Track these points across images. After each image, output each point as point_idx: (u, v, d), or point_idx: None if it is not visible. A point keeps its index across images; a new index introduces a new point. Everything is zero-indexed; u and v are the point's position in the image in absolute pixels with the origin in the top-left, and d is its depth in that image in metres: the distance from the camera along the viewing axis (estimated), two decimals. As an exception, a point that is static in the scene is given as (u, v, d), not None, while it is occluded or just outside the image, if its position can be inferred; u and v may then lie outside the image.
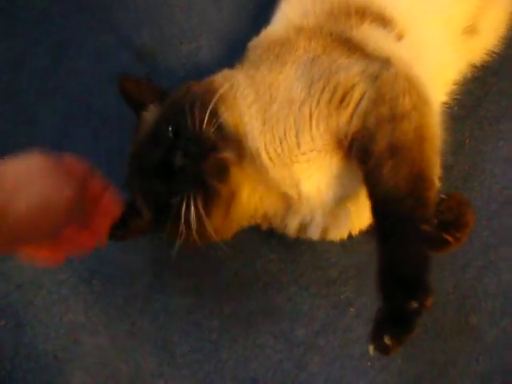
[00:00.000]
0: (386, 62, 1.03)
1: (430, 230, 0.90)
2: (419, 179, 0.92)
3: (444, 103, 1.17)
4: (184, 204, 0.97)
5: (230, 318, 1.21)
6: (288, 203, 1.06)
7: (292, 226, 1.09)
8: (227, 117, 1.01)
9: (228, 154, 0.99)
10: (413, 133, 0.95)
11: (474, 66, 1.23)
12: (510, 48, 1.24)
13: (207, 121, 0.98)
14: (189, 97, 1.04)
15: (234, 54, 1.25)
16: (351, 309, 1.19)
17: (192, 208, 0.97)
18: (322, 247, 1.19)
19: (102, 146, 1.35)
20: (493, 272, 1.18)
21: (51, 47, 1.45)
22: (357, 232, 1.12)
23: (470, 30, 1.18)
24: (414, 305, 0.85)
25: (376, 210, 0.92)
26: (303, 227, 1.09)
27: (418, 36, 1.11)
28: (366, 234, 1.14)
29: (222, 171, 0.99)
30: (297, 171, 1.02)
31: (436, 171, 0.95)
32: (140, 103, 1.13)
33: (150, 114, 1.09)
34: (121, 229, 1.05)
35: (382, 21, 1.11)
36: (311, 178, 1.03)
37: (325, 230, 1.09)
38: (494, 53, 1.23)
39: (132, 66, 1.42)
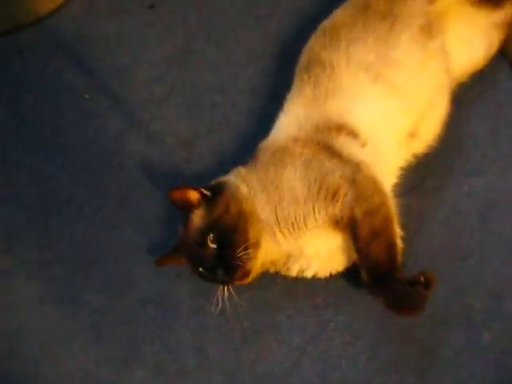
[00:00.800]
0: (356, 167, 1.53)
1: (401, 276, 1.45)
2: (392, 247, 1.49)
3: (394, 184, 1.66)
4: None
5: (247, 332, 1.70)
6: (289, 257, 1.59)
7: (293, 271, 1.61)
8: (252, 232, 1.52)
9: (250, 266, 1.52)
10: (383, 220, 1.50)
11: (418, 156, 1.71)
12: (444, 139, 1.73)
13: (239, 245, 1.50)
14: (227, 219, 1.52)
15: (246, 146, 1.75)
16: (331, 324, 1.66)
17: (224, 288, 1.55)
18: (312, 283, 1.65)
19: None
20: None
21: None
22: (335, 272, 1.62)
23: (413, 135, 1.66)
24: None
25: (369, 272, 1.47)
26: (301, 271, 1.61)
27: (376, 142, 1.60)
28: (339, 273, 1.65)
29: (246, 275, 1.54)
30: (303, 242, 1.54)
31: (396, 240, 1.51)
32: (189, 205, 1.57)
33: (197, 216, 1.55)
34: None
35: (352, 133, 1.58)
36: (313, 245, 1.54)
37: (316, 273, 1.61)
38: (432, 145, 1.72)
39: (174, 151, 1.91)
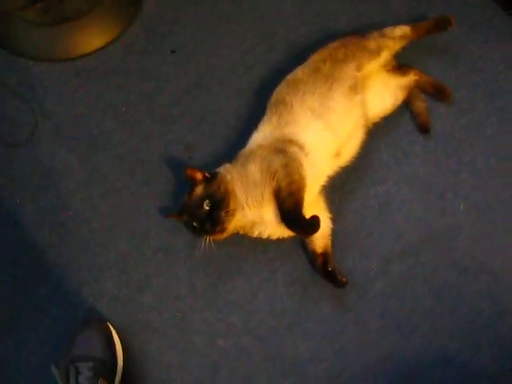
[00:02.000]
0: (292, 159, 1.96)
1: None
2: (299, 203, 1.94)
3: (323, 185, 2.11)
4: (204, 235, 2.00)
5: (222, 273, 2.17)
6: (254, 224, 2.04)
7: (254, 233, 2.05)
8: (232, 203, 1.98)
9: (227, 225, 1.99)
10: (298, 188, 1.94)
11: (342, 168, 2.15)
12: (360, 158, 2.18)
13: (223, 210, 1.97)
14: (218, 193, 1.98)
15: (233, 151, 2.13)
16: (278, 271, 2.10)
17: (206, 237, 1.98)
18: (268, 242, 2.10)
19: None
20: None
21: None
22: (281, 236, 2.07)
23: (338, 154, 2.10)
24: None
25: (284, 216, 1.93)
26: (259, 233, 2.05)
27: (314, 156, 2.03)
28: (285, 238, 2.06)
29: (223, 230, 2.00)
30: (262, 210, 1.99)
31: (303, 201, 1.94)
32: (194, 181, 2.02)
33: (199, 189, 2.01)
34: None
35: (300, 146, 2.01)
36: (267, 213, 1.99)
37: (269, 235, 2.07)
38: (350, 161, 2.17)
39: (182, 153, 2.32)
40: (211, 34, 2.53)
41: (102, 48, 2.49)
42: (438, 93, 2.34)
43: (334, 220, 2.13)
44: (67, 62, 2.47)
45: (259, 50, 2.50)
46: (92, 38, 2.51)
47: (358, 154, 2.18)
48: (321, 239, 2.09)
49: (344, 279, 2.03)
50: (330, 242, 2.10)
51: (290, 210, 1.93)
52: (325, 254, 2.07)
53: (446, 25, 2.31)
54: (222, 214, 1.96)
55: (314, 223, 1.91)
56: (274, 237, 2.09)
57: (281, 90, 2.15)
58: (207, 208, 1.98)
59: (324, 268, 2.05)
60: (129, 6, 2.59)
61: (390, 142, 2.30)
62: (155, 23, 2.55)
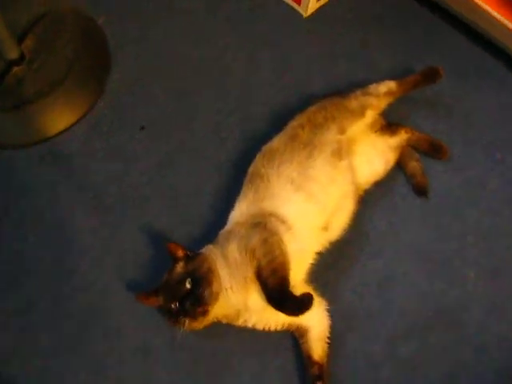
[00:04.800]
0: (272, 233, 1.86)
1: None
2: (283, 280, 1.83)
3: (311, 264, 1.98)
4: (181, 321, 1.85)
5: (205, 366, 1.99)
6: (237, 313, 1.89)
7: (239, 321, 1.90)
8: (215, 284, 1.85)
9: (210, 307, 1.84)
10: (280, 264, 1.83)
11: (331, 243, 2.02)
12: (351, 231, 2.06)
13: (206, 290, 1.84)
14: (201, 271, 1.85)
15: (212, 231, 2.03)
16: (270, 364, 1.96)
17: (183, 323, 1.84)
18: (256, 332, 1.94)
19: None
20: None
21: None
22: (268, 328, 1.94)
23: (325, 228, 1.97)
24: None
25: (268, 296, 1.82)
26: (244, 322, 1.91)
27: (298, 231, 1.91)
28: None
29: (205, 313, 1.85)
30: (245, 295, 1.85)
31: (289, 277, 1.84)
32: (175, 256, 1.91)
33: (180, 266, 1.89)
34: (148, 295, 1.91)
35: (281, 220, 1.90)
36: (252, 298, 1.85)
37: (254, 325, 1.92)
38: (340, 235, 2.04)
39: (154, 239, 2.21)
40: (183, 107, 2.46)
41: (67, 129, 2.42)
42: (433, 150, 2.23)
43: (330, 309, 2.01)
44: (30, 148, 2.41)
45: (234, 119, 2.42)
46: (55, 120, 2.44)
47: (350, 225, 2.06)
48: (317, 342, 1.94)
49: None
50: (326, 348, 1.94)
51: (274, 288, 1.81)
52: (321, 367, 1.91)
53: (434, 77, 2.23)
54: (205, 292, 1.83)
55: (305, 300, 1.80)
56: (260, 326, 1.95)
57: (256, 162, 2.06)
58: (189, 286, 1.84)
59: (315, 381, 1.89)
60: (93, 83, 2.52)
61: (385, 209, 2.18)
62: (122, 99, 2.48)
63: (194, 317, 1.84)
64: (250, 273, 1.85)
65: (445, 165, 2.25)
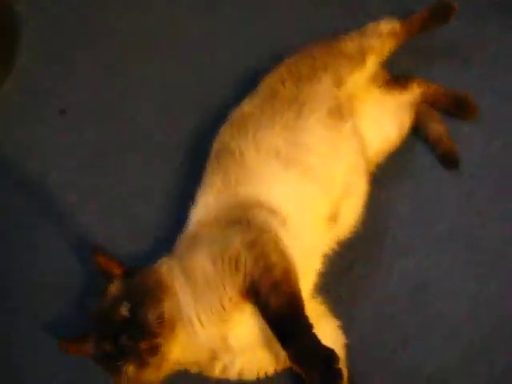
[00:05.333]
0: (260, 231, 1.44)
1: (308, 322, 1.34)
2: (292, 298, 1.38)
3: (319, 271, 1.56)
4: (123, 368, 1.35)
5: None
6: (214, 355, 1.43)
7: (216, 369, 1.45)
8: (167, 305, 1.38)
9: (161, 340, 1.35)
10: (283, 273, 1.39)
11: (342, 240, 1.62)
12: (369, 222, 1.65)
13: (151, 312, 1.36)
14: (144, 288, 1.41)
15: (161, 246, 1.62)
16: None
17: (127, 371, 1.35)
18: None
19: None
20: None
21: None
22: (263, 373, 1.49)
23: (332, 218, 1.57)
24: (335, 365, 1.29)
25: (272, 325, 1.35)
26: (224, 370, 1.45)
27: (296, 223, 1.50)
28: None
29: (155, 350, 1.35)
30: (225, 328, 1.39)
31: (300, 291, 1.40)
32: (108, 274, 1.47)
33: (114, 287, 1.44)
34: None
35: (270, 210, 1.50)
36: (236, 330, 1.40)
37: (241, 372, 1.46)
38: (355, 228, 1.63)
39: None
40: (115, 85, 2.08)
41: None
42: (457, 107, 1.89)
43: (344, 329, 1.56)
44: None
45: (184, 95, 2.04)
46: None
47: (364, 215, 1.66)
48: None
49: None
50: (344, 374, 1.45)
51: (280, 312, 1.37)
52: None
53: (446, 14, 1.87)
54: (150, 316, 1.37)
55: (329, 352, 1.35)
56: (250, 373, 1.50)
57: (222, 134, 1.68)
58: (126, 313, 1.38)
59: None
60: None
61: (406, 190, 1.81)
62: (36, 78, 2.12)
63: (139, 358, 1.37)
64: (232, 293, 1.40)
65: (474, 126, 1.88)
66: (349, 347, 1.55)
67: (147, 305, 1.37)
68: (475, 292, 1.65)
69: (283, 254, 1.43)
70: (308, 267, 1.53)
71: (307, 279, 1.53)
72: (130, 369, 1.35)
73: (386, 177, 1.77)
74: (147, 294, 1.40)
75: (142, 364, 1.35)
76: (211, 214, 1.54)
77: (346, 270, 1.67)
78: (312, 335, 1.34)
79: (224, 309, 1.39)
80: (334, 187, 1.57)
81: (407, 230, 1.73)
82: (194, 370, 1.48)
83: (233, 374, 1.46)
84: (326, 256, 1.59)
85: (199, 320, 1.40)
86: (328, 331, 1.50)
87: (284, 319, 1.36)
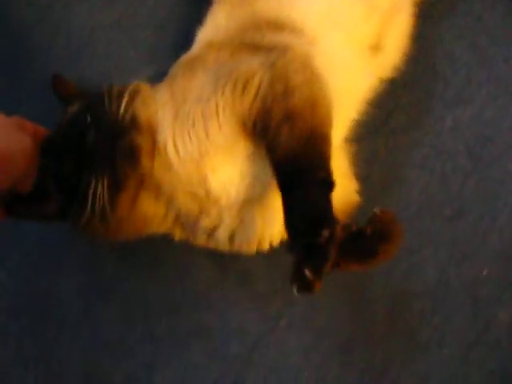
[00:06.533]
0: (284, 49, 1.07)
1: (327, 178, 0.95)
2: (313, 136, 0.98)
3: (356, 119, 1.20)
4: (91, 186, 0.98)
5: (162, 340, 1.18)
6: (198, 206, 1.07)
7: (202, 230, 1.09)
8: (141, 110, 1.04)
9: (140, 140, 1.02)
10: (304, 102, 1.01)
11: (383, 81, 1.25)
12: (415, 64, 1.28)
13: (123, 109, 1.02)
14: (109, 90, 1.06)
15: None
16: (282, 320, 1.17)
17: (98, 190, 0.98)
18: (249, 263, 1.18)
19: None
20: (418, 273, 1.18)
21: None
22: (272, 243, 1.11)
23: (376, 47, 1.21)
24: (326, 234, 0.89)
25: (278, 172, 0.97)
26: (212, 232, 1.10)
27: (328, 46, 1.14)
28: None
29: (133, 155, 1.01)
30: (204, 166, 1.04)
31: (330, 130, 1.01)
32: (69, 100, 1.14)
33: (74, 107, 1.10)
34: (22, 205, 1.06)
35: (294, 28, 1.14)
36: (218, 173, 1.04)
37: (232, 236, 1.09)
38: (400, 68, 1.26)
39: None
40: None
41: None
42: None
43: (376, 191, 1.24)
44: None
45: None
46: None
47: (410, 50, 1.27)
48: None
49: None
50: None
51: (294, 152, 0.99)
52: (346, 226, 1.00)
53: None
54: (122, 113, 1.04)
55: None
56: (244, 246, 1.12)
57: None
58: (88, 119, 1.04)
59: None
60: None
61: (461, 27, 1.38)
62: None
63: (112, 171, 1.02)
64: (226, 120, 1.04)
65: None
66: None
67: (116, 103, 1.04)
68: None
69: (313, 77, 1.05)
70: (342, 110, 1.14)
71: (338, 127, 1.14)
72: (104, 186, 1.00)
73: (437, 10, 1.38)
74: (116, 94, 1.05)
75: (115, 181, 1.00)
76: (219, 32, 1.20)
77: (383, 120, 1.28)
78: (326, 194, 0.96)
79: (207, 137, 1.04)
80: (379, 4, 1.20)
81: (462, 74, 1.33)
82: (178, 233, 1.13)
83: (222, 239, 1.10)
84: (364, 101, 1.22)
85: (175, 146, 1.06)
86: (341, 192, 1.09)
87: (294, 161, 0.98)
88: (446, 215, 1.22)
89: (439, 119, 1.29)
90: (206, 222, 1.08)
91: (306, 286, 0.90)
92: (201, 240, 1.10)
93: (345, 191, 1.13)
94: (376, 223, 0.97)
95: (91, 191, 0.99)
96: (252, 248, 1.11)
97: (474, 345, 1.17)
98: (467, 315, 1.17)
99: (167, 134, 1.04)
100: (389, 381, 1.15)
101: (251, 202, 1.06)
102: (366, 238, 0.97)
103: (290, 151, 0.98)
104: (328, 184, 0.96)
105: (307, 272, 0.88)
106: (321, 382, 1.15)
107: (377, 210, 0.99)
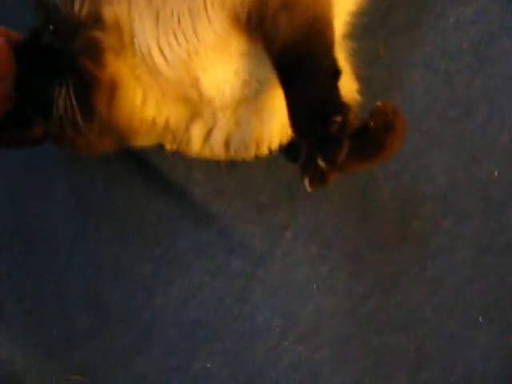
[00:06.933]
0: None
1: (332, 65, 0.90)
2: (314, 21, 0.93)
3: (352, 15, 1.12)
4: (60, 92, 0.91)
5: (161, 261, 1.16)
6: (190, 110, 1.02)
7: (196, 135, 1.04)
8: (106, 9, 0.97)
9: (101, 36, 0.94)
10: None
11: None
12: None
13: (78, 6, 0.95)
14: None
15: None
16: (287, 232, 1.14)
17: (65, 94, 0.91)
18: (248, 173, 1.14)
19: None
20: (427, 176, 1.15)
21: None
22: (271, 146, 1.06)
23: None
24: (338, 119, 0.85)
25: (278, 65, 0.92)
26: (207, 136, 1.04)
27: None
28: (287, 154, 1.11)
29: (95, 51, 0.94)
30: (194, 66, 0.98)
31: (331, 20, 0.96)
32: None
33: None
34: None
35: None
36: (210, 72, 0.98)
37: (228, 140, 1.04)
38: None
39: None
40: None
41: None
42: None
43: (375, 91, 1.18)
44: None
45: None
46: None
47: None
48: None
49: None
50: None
51: (294, 40, 0.93)
52: None
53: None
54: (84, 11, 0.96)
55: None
56: (240, 150, 1.07)
57: None
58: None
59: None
60: None
61: None
62: None
63: (77, 74, 0.94)
64: (216, 15, 0.97)
65: None
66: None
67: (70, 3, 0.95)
68: None
69: None
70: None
71: (337, 19, 1.06)
72: (70, 91, 0.93)
73: None
74: None
75: (83, 83, 0.93)
76: None
77: (382, 17, 1.23)
78: (333, 82, 0.92)
79: (196, 35, 0.97)
80: None
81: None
82: (169, 143, 1.07)
83: (218, 144, 1.05)
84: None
85: (160, 49, 0.99)
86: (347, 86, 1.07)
87: (295, 51, 0.93)
88: (453, 116, 1.19)
89: (440, 17, 1.23)
90: (199, 126, 1.03)
91: (319, 178, 0.86)
92: (195, 147, 1.05)
93: (344, 89, 1.04)
94: (379, 115, 0.94)
95: (61, 97, 0.93)
96: (250, 152, 1.06)
97: (487, 248, 1.15)
98: (478, 218, 1.14)
99: (149, 39, 0.97)
100: (402, 287, 1.13)
101: (247, 101, 1.00)
102: (371, 131, 0.94)
103: (289, 40, 0.93)
104: (334, 72, 0.91)
105: (320, 162, 0.84)
106: (330, 295, 1.13)
107: (378, 103, 0.95)
